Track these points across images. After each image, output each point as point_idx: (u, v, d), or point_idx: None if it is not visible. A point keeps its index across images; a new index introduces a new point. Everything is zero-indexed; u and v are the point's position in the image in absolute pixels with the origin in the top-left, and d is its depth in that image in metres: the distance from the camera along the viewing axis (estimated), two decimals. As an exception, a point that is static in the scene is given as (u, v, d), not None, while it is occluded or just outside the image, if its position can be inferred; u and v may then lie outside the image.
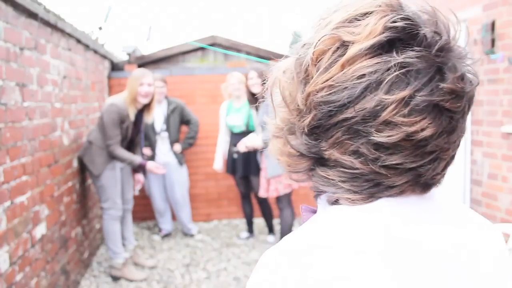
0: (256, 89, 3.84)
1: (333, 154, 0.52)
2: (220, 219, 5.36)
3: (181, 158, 4.63)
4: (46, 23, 2.92)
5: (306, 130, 0.53)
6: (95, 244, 4.22)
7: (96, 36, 4.45)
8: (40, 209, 2.70)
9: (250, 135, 4.03)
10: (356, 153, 0.51)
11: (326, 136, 0.52)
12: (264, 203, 4.38)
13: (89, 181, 4.01)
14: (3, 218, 2.18)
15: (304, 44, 0.55)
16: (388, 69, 0.48)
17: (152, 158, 4.52)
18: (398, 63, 0.48)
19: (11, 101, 2.33)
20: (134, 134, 3.63)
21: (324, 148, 0.53)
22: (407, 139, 0.49)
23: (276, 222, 4.88)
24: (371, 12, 0.51)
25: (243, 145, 3.87)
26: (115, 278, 3.64)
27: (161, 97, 4.46)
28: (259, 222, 5.09)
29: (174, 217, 5.02)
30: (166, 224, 4.76)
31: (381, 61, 0.48)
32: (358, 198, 0.53)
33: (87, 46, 4.01)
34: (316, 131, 0.53)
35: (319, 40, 0.51)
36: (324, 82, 0.50)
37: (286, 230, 3.96)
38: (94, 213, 4.20)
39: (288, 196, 3.91)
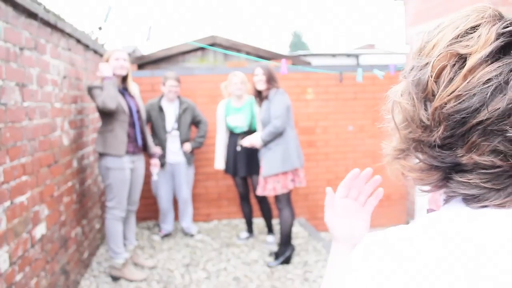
0: (260, 86, 3.84)
1: (472, 157, 0.55)
2: (220, 219, 5.36)
3: (190, 157, 4.67)
4: (46, 23, 2.92)
5: (438, 142, 0.56)
6: (95, 244, 4.22)
7: (96, 36, 4.45)
8: (40, 209, 2.70)
9: (255, 133, 4.06)
10: (494, 152, 0.54)
11: (462, 142, 0.55)
12: (263, 203, 4.38)
13: (89, 181, 4.01)
14: (3, 218, 2.18)
15: (413, 68, 0.59)
16: (511, 70, 0.53)
17: (163, 156, 4.53)
18: None
19: (11, 101, 2.33)
20: (137, 121, 3.64)
21: (461, 154, 0.55)
22: None
23: (275, 222, 4.88)
24: (479, 25, 0.55)
25: (248, 141, 3.91)
26: (115, 278, 3.64)
27: (174, 96, 4.48)
28: (258, 222, 5.09)
29: (176, 217, 5.03)
30: (167, 224, 4.77)
31: (502, 64, 0.53)
32: (505, 202, 0.55)
33: (87, 46, 4.01)
34: (449, 141, 0.56)
35: (436, 58, 0.55)
36: (450, 94, 0.54)
37: (285, 230, 3.96)
38: (94, 213, 4.20)
39: (287, 196, 3.91)
